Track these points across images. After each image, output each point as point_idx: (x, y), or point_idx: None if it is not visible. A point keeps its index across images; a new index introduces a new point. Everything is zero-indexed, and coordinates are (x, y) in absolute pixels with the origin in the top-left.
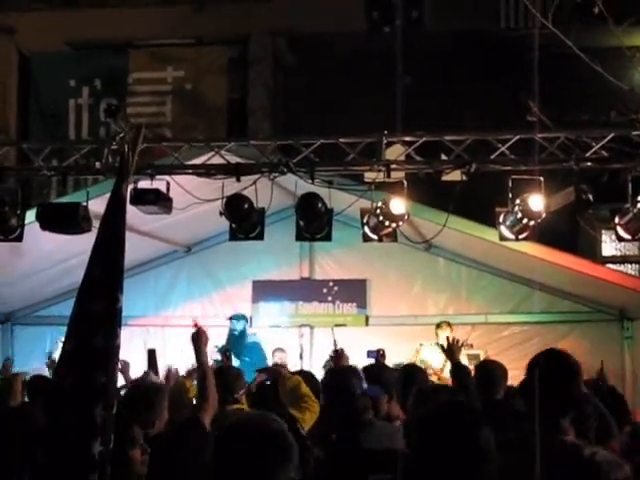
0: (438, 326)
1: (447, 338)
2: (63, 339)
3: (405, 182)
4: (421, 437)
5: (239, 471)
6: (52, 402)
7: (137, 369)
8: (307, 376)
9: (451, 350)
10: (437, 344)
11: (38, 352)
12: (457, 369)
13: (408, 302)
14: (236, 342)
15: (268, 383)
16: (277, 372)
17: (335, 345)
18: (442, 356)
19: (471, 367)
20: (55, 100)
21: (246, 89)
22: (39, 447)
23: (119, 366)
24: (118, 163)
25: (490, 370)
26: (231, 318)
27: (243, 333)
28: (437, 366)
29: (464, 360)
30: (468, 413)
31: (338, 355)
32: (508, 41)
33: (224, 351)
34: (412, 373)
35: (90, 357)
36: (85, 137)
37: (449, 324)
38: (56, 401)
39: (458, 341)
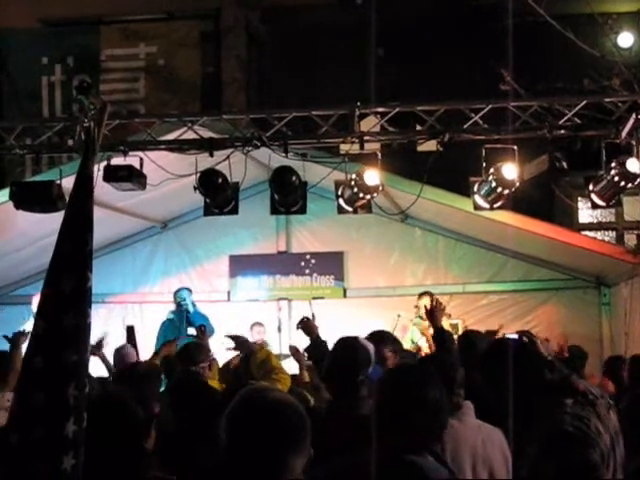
0: (420, 296)
1: (430, 301)
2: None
3: (379, 153)
4: (376, 398)
5: (252, 451)
6: (22, 383)
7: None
8: None
9: (433, 314)
10: (419, 317)
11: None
12: (439, 334)
13: (386, 273)
14: (193, 314)
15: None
16: (249, 348)
17: (313, 318)
18: (417, 335)
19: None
20: (27, 78)
21: (219, 63)
22: (10, 430)
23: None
24: (84, 141)
25: (472, 340)
26: (178, 291)
27: (194, 304)
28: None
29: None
30: (416, 375)
31: (306, 325)
32: (480, 9)
33: (199, 326)
34: None
35: (60, 336)
36: (59, 115)
37: (431, 294)
38: (26, 382)
39: (440, 304)
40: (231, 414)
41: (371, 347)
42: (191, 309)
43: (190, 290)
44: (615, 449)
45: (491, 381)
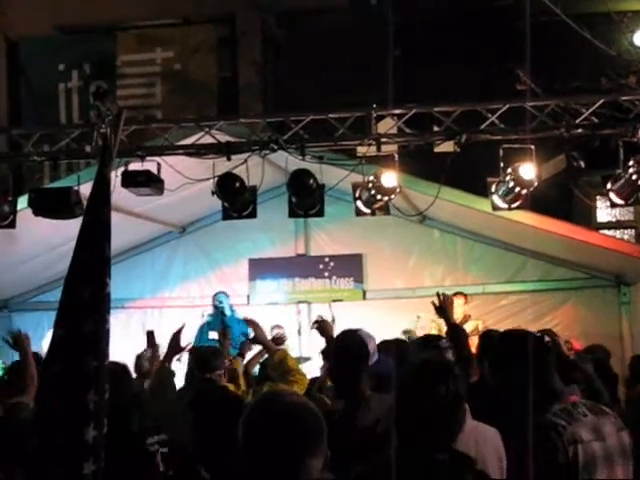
0: (437, 296)
1: (438, 295)
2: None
3: (396, 155)
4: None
5: (269, 455)
6: (42, 389)
7: (137, 351)
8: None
9: (443, 309)
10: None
11: (36, 338)
12: (452, 331)
13: (404, 275)
14: (229, 317)
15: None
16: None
17: (333, 321)
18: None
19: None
20: (45, 85)
21: (235, 67)
22: (30, 437)
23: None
24: (100, 147)
25: (490, 338)
26: (215, 295)
27: (232, 308)
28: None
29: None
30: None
31: (321, 326)
32: (496, 10)
33: (221, 329)
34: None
35: (80, 342)
36: (76, 121)
37: (463, 294)
38: (46, 388)
39: (448, 298)
40: (247, 419)
41: (371, 339)
42: (228, 312)
43: (227, 294)
44: (615, 468)
45: (499, 369)
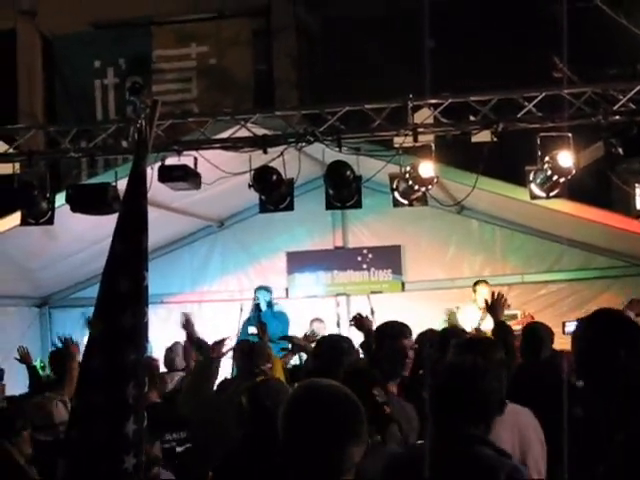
0: (475, 285)
1: (492, 294)
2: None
3: (433, 145)
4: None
5: (310, 444)
6: (82, 383)
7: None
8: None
9: (494, 307)
10: (475, 302)
11: (76, 334)
12: (499, 327)
13: (443, 266)
14: (264, 313)
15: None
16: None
17: (372, 313)
18: (477, 315)
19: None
20: (81, 82)
21: (271, 60)
22: (71, 430)
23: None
24: (136, 140)
25: (535, 330)
26: (255, 290)
27: (270, 303)
28: (473, 325)
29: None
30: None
31: (358, 322)
32: None
33: (259, 324)
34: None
35: (119, 336)
36: (113, 117)
37: (486, 282)
38: (86, 382)
39: (502, 297)
40: (286, 411)
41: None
42: (263, 308)
43: (266, 289)
44: None
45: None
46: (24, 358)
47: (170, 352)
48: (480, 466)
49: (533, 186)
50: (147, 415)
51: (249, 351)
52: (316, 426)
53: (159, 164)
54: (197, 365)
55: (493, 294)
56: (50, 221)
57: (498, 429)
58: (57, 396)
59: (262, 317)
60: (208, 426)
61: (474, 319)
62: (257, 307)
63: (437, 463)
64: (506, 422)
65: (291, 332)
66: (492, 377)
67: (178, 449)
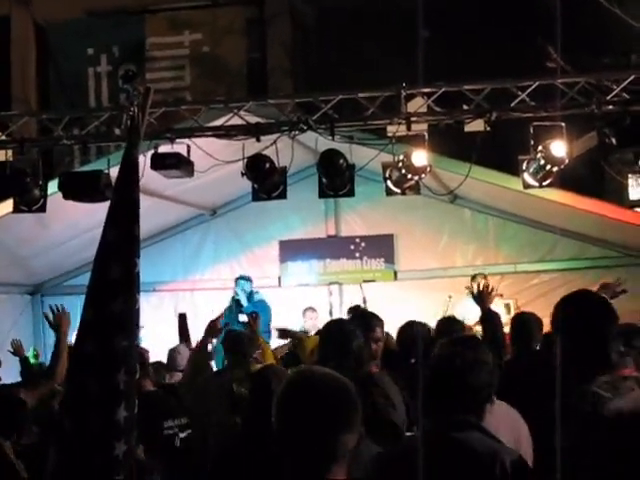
0: (473, 278)
1: (477, 285)
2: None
3: (426, 134)
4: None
5: (303, 432)
6: (73, 370)
7: (169, 335)
8: None
9: (481, 297)
10: (471, 294)
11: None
12: (487, 317)
13: (436, 255)
14: (247, 308)
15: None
16: (296, 337)
17: (364, 301)
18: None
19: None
20: (74, 69)
21: (264, 48)
22: (62, 417)
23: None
24: (128, 128)
25: (525, 321)
26: (235, 280)
27: (251, 293)
28: (473, 318)
29: (499, 307)
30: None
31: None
32: None
33: (250, 314)
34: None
35: (110, 322)
36: (106, 104)
37: (485, 276)
38: (77, 368)
39: (489, 287)
40: (279, 400)
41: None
42: (244, 303)
43: (246, 278)
44: None
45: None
46: (17, 351)
47: (172, 352)
48: (475, 450)
49: (526, 175)
50: (144, 403)
51: (239, 340)
52: (310, 413)
53: (152, 152)
54: (191, 357)
55: (479, 285)
56: (42, 208)
57: (496, 426)
58: None
59: (244, 311)
60: (205, 416)
61: (472, 311)
62: (237, 303)
63: (430, 451)
64: (501, 420)
65: (283, 320)
66: (481, 368)
67: (181, 435)
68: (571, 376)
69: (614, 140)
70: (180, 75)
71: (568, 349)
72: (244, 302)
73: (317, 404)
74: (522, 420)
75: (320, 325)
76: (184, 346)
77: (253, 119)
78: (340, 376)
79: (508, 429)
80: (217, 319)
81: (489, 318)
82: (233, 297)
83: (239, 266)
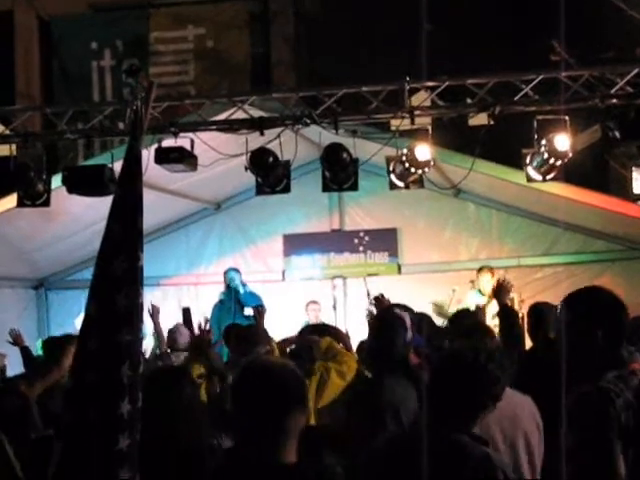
0: (479, 271)
1: (497, 280)
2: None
3: (430, 128)
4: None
5: (251, 413)
6: (77, 363)
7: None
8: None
9: (500, 291)
10: (478, 290)
11: (72, 317)
12: (504, 311)
13: (440, 248)
14: (243, 294)
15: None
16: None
17: (368, 295)
18: (479, 300)
19: None
20: (77, 63)
21: (268, 43)
22: (66, 410)
23: (150, 311)
24: (131, 122)
25: (540, 311)
26: (226, 272)
27: (244, 284)
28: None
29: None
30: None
31: (380, 302)
32: None
33: (256, 307)
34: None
35: (114, 316)
36: (109, 99)
37: (491, 268)
38: (81, 362)
39: (507, 282)
40: (233, 386)
41: (405, 316)
42: (241, 289)
43: (238, 270)
44: None
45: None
46: (16, 340)
47: (172, 333)
48: (452, 452)
49: (530, 169)
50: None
51: (245, 335)
52: (259, 395)
53: (156, 146)
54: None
55: (499, 280)
56: (46, 203)
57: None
58: None
59: (241, 298)
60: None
61: (475, 305)
62: (232, 290)
63: (417, 450)
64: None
65: (287, 314)
66: (494, 366)
67: None
68: (580, 374)
69: (618, 133)
70: (184, 69)
71: (577, 349)
72: (240, 289)
73: (266, 386)
74: (532, 408)
75: (323, 318)
76: (182, 325)
77: (257, 113)
78: (289, 363)
79: (528, 417)
80: (203, 333)
81: (506, 313)
82: (223, 292)
83: (243, 260)
